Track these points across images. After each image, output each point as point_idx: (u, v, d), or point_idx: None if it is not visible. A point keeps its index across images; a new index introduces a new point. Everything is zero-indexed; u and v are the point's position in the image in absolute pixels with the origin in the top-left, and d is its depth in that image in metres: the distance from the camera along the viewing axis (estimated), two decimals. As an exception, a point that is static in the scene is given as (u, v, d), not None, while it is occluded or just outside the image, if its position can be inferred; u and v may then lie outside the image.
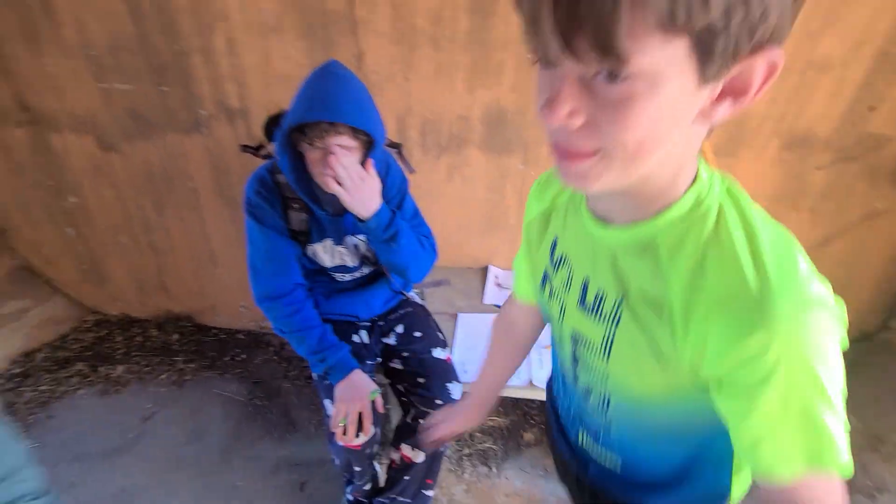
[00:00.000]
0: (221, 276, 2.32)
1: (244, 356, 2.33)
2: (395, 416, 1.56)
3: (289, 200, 1.25)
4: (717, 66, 0.33)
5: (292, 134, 1.10)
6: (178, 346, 2.39)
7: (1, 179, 2.19)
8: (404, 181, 1.37)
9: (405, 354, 1.41)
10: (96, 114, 1.92)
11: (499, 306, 1.81)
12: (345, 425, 1.19)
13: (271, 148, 1.32)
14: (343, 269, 1.37)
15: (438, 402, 1.30)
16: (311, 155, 1.11)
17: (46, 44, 1.78)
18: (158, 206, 2.15)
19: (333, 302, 1.41)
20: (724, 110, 0.38)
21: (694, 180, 0.46)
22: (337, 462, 1.35)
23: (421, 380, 1.35)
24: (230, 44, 1.68)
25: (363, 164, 1.12)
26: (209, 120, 1.88)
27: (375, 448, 1.35)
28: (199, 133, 1.92)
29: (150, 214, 2.19)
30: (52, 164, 2.12)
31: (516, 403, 1.97)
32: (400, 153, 1.37)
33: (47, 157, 2.09)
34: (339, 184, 1.07)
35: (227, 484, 1.70)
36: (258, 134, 1.85)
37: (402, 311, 1.51)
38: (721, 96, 0.37)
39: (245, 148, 1.36)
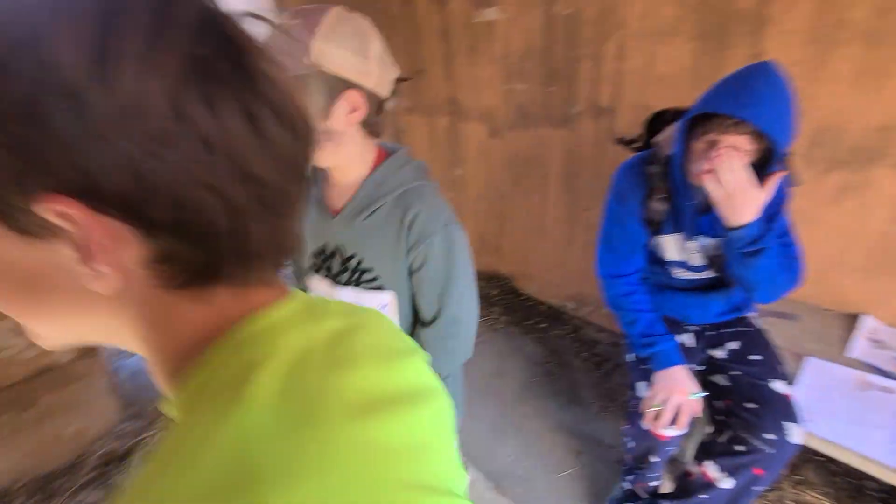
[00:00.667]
0: (544, 251, 2.67)
1: (544, 325, 2.63)
2: (696, 432, 1.49)
3: (653, 190, 1.34)
4: None
5: (693, 122, 1.14)
6: (496, 299, 2.91)
7: (422, 150, 3.16)
8: (786, 194, 1.25)
9: (735, 373, 1.32)
10: (496, 108, 2.51)
11: (872, 366, 1.43)
12: (658, 411, 1.22)
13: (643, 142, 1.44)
14: (685, 266, 1.38)
15: (769, 436, 1.17)
16: (697, 145, 1.13)
17: (481, 55, 2.43)
18: (515, 182, 2.64)
19: (664, 297, 1.44)
20: None
21: None
22: (630, 446, 1.41)
23: (750, 406, 1.24)
24: (620, 49, 1.87)
25: (759, 173, 1.07)
26: (577, 116, 2.16)
27: (676, 448, 1.33)
28: (565, 127, 2.24)
29: (507, 188, 2.71)
30: (454, 144, 2.89)
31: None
32: (786, 162, 1.25)
33: (453, 138, 2.87)
34: (718, 183, 1.06)
35: (517, 421, 2.02)
36: (619, 130, 2.02)
37: (738, 328, 1.40)
38: None
39: (620, 140, 1.52)
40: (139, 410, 2.21)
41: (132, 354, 2.59)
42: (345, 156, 0.83)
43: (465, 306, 0.94)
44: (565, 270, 2.60)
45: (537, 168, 2.48)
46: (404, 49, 2.87)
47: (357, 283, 0.92)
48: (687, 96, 1.73)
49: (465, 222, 2.87)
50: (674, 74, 1.76)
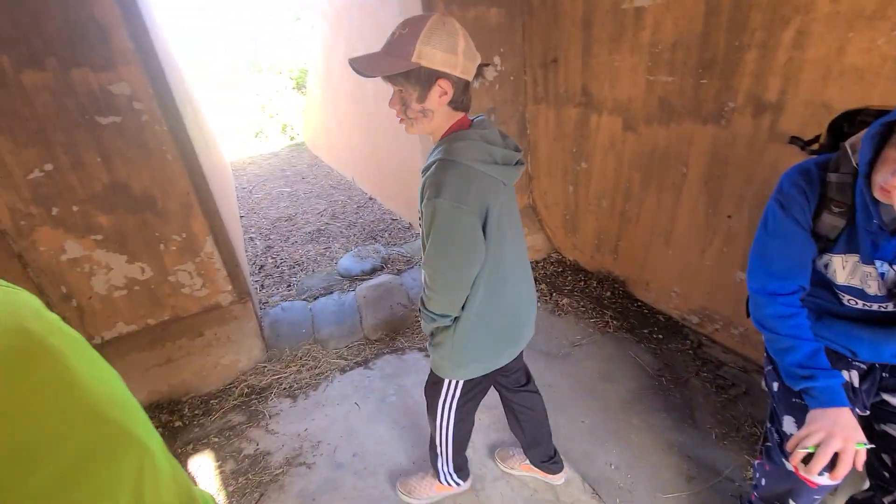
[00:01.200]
0: (667, 258, 2.48)
1: (660, 336, 2.45)
2: (849, 485, 1.29)
3: (829, 201, 1.16)
4: None
5: (892, 127, 0.97)
6: (608, 302, 2.78)
7: (547, 142, 3.10)
8: None
9: (915, 424, 1.11)
10: (634, 100, 2.36)
11: None
12: (810, 454, 1.08)
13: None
14: (858, 293, 1.18)
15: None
16: (890, 153, 0.96)
17: (624, 44, 2.29)
18: (644, 181, 2.48)
19: (828, 325, 1.24)
20: None
21: None
22: (761, 484, 1.27)
23: (929, 467, 1.03)
24: (799, 36, 1.63)
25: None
26: (732, 112, 1.94)
27: (821, 498, 1.17)
28: (715, 124, 2.03)
29: (634, 187, 2.56)
30: (582, 137, 2.79)
31: None
32: None
33: (582, 131, 2.77)
34: None
35: (622, 431, 1.93)
36: (784, 129, 1.78)
37: (924, 375, 1.17)
38: None
39: (795, 140, 1.33)
40: (277, 353, 2.56)
41: (276, 304, 2.99)
42: (435, 126, 1.10)
43: (433, 266, 1.10)
44: (693, 281, 2.39)
45: (674, 167, 2.29)
46: (541, 37, 2.83)
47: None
48: (887, 93, 1.46)
49: (583, 218, 2.75)
50: (870, 66, 1.49)
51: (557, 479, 1.72)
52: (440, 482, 1.67)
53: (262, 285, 3.53)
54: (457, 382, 1.37)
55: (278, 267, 3.86)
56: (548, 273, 3.18)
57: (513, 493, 1.72)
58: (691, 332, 2.45)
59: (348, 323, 2.69)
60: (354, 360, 2.51)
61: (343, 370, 2.45)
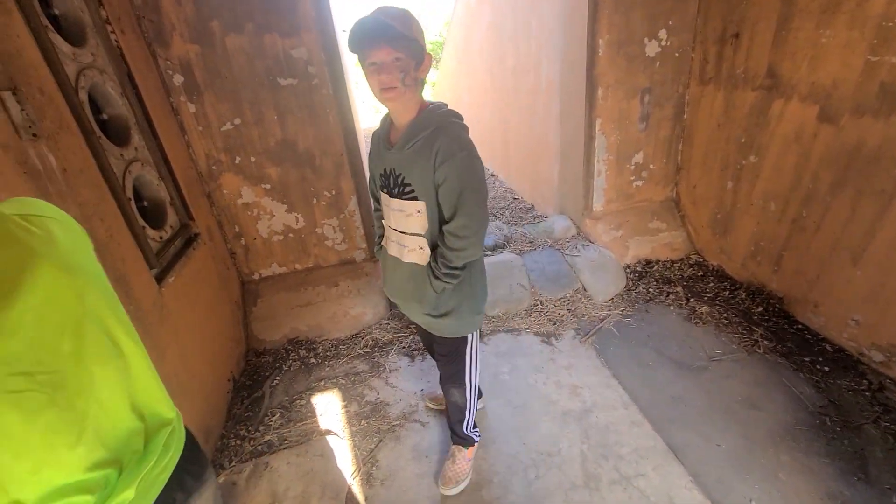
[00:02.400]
0: (853, 279, 2.06)
1: (826, 369, 2.08)
2: None
3: None
4: None
5: None
6: (758, 318, 2.43)
7: (706, 129, 2.75)
8: None
9: None
10: (841, 85, 1.96)
11: None
12: None
13: None
14: None
15: None
16: None
17: (842, 15, 1.89)
18: (837, 183, 2.07)
19: None
20: None
21: None
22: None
23: None
24: None
25: None
26: None
27: None
28: (964, 119, 1.59)
29: (820, 189, 2.15)
30: (756, 125, 2.41)
31: None
32: None
33: (757, 118, 2.39)
34: None
35: (768, 466, 1.69)
36: None
37: None
38: None
39: None
40: (399, 314, 2.70)
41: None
42: (411, 101, 1.20)
43: (473, 217, 1.19)
44: (886, 311, 1.96)
45: (887, 170, 1.87)
46: (721, 7, 2.47)
47: (401, 195, 1.25)
48: None
49: (739, 220, 2.41)
50: None
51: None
52: (466, 448, 1.74)
53: (387, 247, 3.74)
54: (475, 334, 1.51)
55: (402, 232, 4.06)
56: (685, 276, 2.87)
57: (630, 501, 1.62)
58: (870, 371, 2.03)
59: (467, 295, 2.73)
60: (470, 333, 2.55)
61: (459, 340, 2.50)
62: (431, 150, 1.15)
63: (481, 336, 2.50)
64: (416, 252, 1.31)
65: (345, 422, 2.04)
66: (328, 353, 2.49)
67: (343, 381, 2.27)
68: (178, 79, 2.14)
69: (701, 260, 2.99)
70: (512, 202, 4.59)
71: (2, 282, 0.55)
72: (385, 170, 1.29)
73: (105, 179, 1.53)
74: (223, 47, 2.13)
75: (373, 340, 2.53)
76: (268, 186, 2.47)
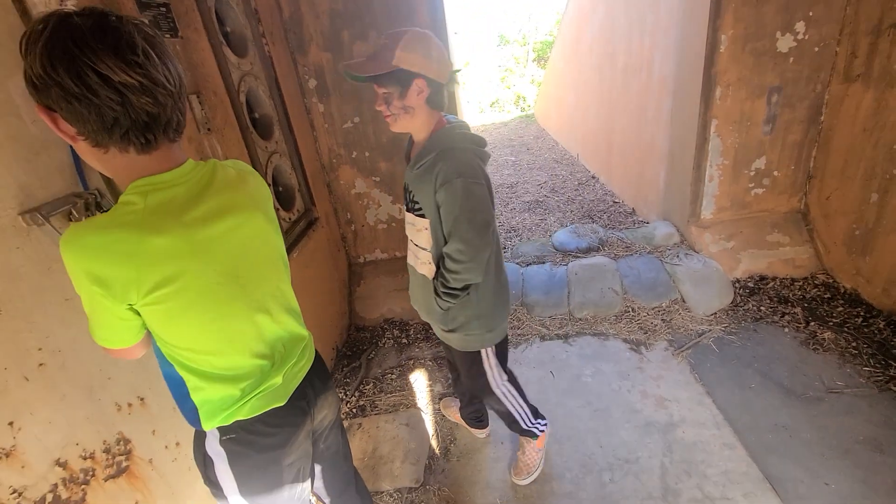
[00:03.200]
0: None
1: None
2: None
3: None
4: None
5: None
6: (893, 343, 2.11)
7: (849, 133, 2.42)
8: None
9: None
10: None
11: None
12: None
13: None
14: None
15: None
16: None
17: None
18: None
19: None
20: None
21: None
22: None
23: None
24: None
25: None
26: None
27: None
28: None
29: None
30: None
31: None
32: None
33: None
34: None
35: (886, 515, 1.49)
36: None
37: None
38: None
39: None
40: (486, 306, 2.81)
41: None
42: (417, 124, 1.24)
43: (469, 243, 1.20)
44: None
45: None
46: (879, -5, 2.16)
47: (412, 211, 1.30)
48: None
49: (884, 239, 2.13)
50: None
51: (480, 433, 1.99)
52: (534, 439, 1.76)
53: (480, 243, 3.86)
54: (491, 349, 1.51)
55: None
56: (807, 296, 2.57)
57: (711, 522, 1.54)
58: None
59: (555, 295, 2.75)
60: (555, 332, 2.56)
61: (543, 338, 2.53)
62: (433, 174, 1.18)
63: (566, 339, 2.50)
64: (426, 265, 1.34)
65: (429, 399, 2.21)
66: (418, 336, 2.68)
67: (430, 364, 2.44)
68: (312, 83, 2.47)
69: (830, 280, 2.64)
70: (611, 206, 4.43)
71: (227, 212, 0.82)
72: (405, 185, 1.35)
73: (254, 167, 1.86)
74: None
75: (460, 328, 2.67)
76: (377, 179, 2.72)
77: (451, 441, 1.97)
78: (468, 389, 1.66)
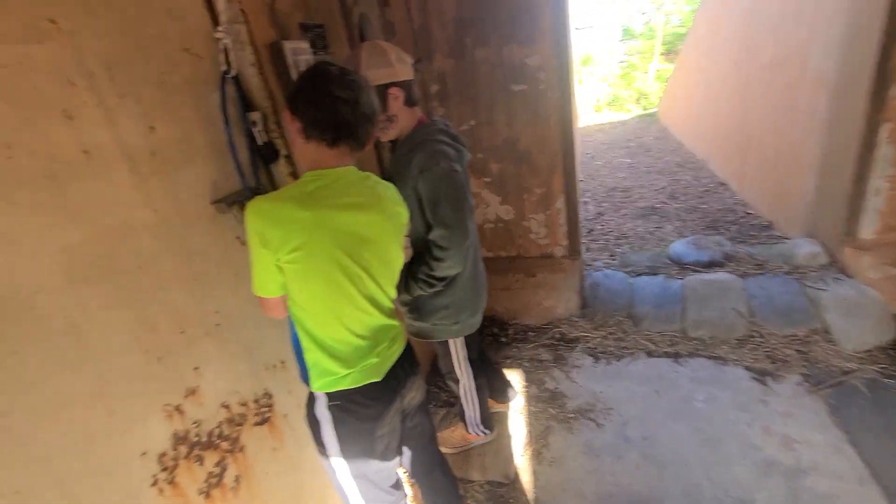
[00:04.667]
0: None
1: None
2: None
3: None
4: None
5: None
6: None
7: None
8: None
9: None
10: None
11: None
12: None
13: None
14: None
15: None
16: None
17: None
18: None
19: None
20: None
21: None
22: None
23: None
24: None
25: None
26: None
27: None
28: None
29: None
30: None
31: None
32: None
33: None
34: None
35: None
36: None
37: None
38: None
39: None
40: (590, 314, 2.74)
41: (598, 269, 3.16)
42: (402, 125, 1.37)
43: (448, 224, 1.29)
44: None
45: None
46: None
47: None
48: None
49: None
50: None
51: (504, 407, 2.11)
52: (469, 432, 1.89)
53: (587, 248, 3.75)
54: (460, 340, 1.62)
55: (605, 235, 3.99)
56: None
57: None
58: None
59: (667, 309, 2.57)
60: (664, 349, 2.41)
61: (650, 353, 2.40)
62: (411, 163, 1.30)
63: (676, 357, 2.34)
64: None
65: (524, 399, 2.23)
66: (517, 336, 2.72)
67: (527, 365, 2.46)
68: (433, 87, 2.62)
69: None
70: (742, 217, 3.98)
71: (361, 209, 1.02)
72: (387, 173, 1.45)
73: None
74: (472, 59, 2.50)
75: (560, 334, 2.65)
76: (488, 180, 2.80)
77: (543, 445, 1.98)
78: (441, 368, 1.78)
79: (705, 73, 5.82)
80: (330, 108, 0.96)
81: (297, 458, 1.47)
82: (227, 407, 1.21)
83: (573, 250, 2.86)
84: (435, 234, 1.32)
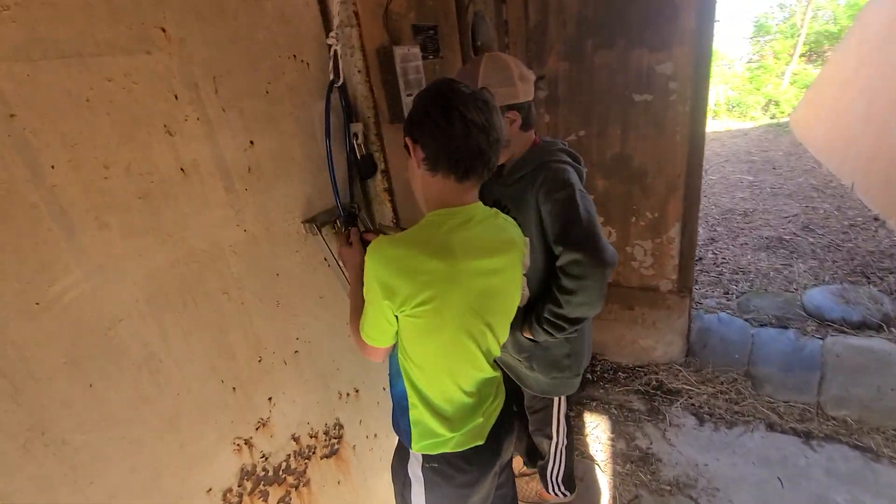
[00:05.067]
0: None
1: None
2: None
3: None
4: None
5: None
6: None
7: None
8: None
9: None
10: None
11: None
12: None
13: None
14: None
15: None
16: None
17: None
18: None
19: None
20: None
21: None
22: None
23: None
24: None
25: None
26: None
27: None
28: None
29: None
30: None
31: None
32: None
33: None
34: None
35: None
36: None
37: None
38: None
39: None
40: (697, 364, 2.37)
41: (710, 310, 2.75)
42: (514, 149, 1.23)
43: (583, 250, 1.08)
44: None
45: None
46: None
47: None
48: None
49: None
50: None
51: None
52: (547, 491, 1.67)
53: (695, 280, 3.30)
54: (564, 399, 1.45)
55: (718, 266, 3.49)
56: None
57: None
58: None
59: (799, 376, 2.14)
60: (791, 425, 1.99)
61: (771, 427, 2.00)
62: (535, 185, 1.14)
63: (807, 438, 1.93)
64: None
65: (608, 455, 1.98)
66: (605, 375, 2.44)
67: (615, 412, 2.19)
68: (542, 93, 2.39)
69: None
70: (905, 264, 3.25)
71: (495, 253, 0.89)
72: (494, 199, 1.28)
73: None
74: (591, 63, 2.23)
75: (657, 381, 2.32)
76: (591, 197, 2.52)
77: (629, 514, 1.72)
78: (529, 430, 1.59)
79: (867, 85, 4.87)
80: (463, 136, 0.81)
81: (361, 490, 1.39)
82: (296, 439, 1.14)
83: (683, 286, 2.50)
84: (565, 260, 1.10)
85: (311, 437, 1.19)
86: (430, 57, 1.52)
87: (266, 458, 1.06)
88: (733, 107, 9.77)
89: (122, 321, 0.77)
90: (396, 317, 0.85)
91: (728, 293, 3.03)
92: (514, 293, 0.98)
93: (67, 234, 0.69)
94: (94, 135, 0.72)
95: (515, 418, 1.14)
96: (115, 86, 0.74)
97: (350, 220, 1.18)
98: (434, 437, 0.94)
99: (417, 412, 0.94)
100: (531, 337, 1.26)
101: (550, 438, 1.54)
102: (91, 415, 0.73)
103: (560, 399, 1.47)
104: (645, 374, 2.37)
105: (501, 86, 1.13)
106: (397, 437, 1.02)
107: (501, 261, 0.90)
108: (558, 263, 1.13)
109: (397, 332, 0.89)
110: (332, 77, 1.10)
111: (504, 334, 1.00)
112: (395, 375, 0.97)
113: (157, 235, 0.81)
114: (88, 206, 0.72)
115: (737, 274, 3.34)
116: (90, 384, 0.73)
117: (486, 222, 0.89)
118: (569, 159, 1.22)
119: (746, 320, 2.52)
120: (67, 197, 0.69)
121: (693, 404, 2.16)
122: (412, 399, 0.93)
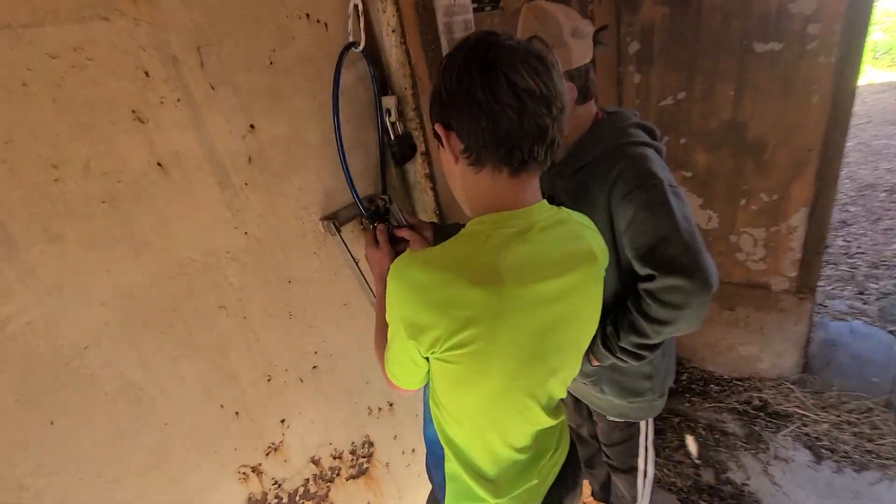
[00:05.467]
0: None
1: None
2: None
3: None
4: None
5: None
6: None
7: None
8: None
9: None
10: None
11: None
12: None
13: None
14: None
15: None
16: None
17: None
18: None
19: None
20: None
21: None
22: None
23: None
24: None
25: None
26: None
27: None
28: None
29: None
30: None
31: None
32: None
33: None
34: None
35: None
36: None
37: None
38: None
39: None
40: (816, 384, 1.93)
41: (839, 315, 2.24)
42: (569, 127, 0.82)
43: (684, 275, 0.82)
44: None
45: None
46: None
47: None
48: None
49: None
50: None
51: None
52: None
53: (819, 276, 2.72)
54: (651, 421, 1.19)
55: (851, 257, 2.84)
56: None
57: None
58: None
59: (968, 413, 1.63)
60: (951, 476, 1.54)
61: (920, 476, 1.56)
62: (608, 178, 0.87)
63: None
64: None
65: (690, 484, 1.67)
66: (693, 387, 2.08)
67: (703, 433, 1.85)
68: (633, 46, 1.98)
69: None
70: None
71: (563, 273, 0.66)
72: (547, 195, 0.87)
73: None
74: (697, 7, 1.78)
75: (760, 400, 1.93)
76: (688, 174, 2.09)
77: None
78: (606, 464, 1.31)
79: None
80: (515, 111, 0.56)
81: (396, 510, 1.26)
82: (316, 462, 1.02)
83: (804, 285, 2.03)
84: (658, 285, 0.86)
85: (334, 458, 1.06)
86: (487, 8, 1.24)
87: (279, 485, 0.95)
88: (881, 53, 7.96)
89: (87, 349, 0.65)
90: (427, 358, 0.66)
91: (864, 293, 2.44)
92: (589, 320, 0.74)
93: (7, 250, 0.58)
94: (35, 127, 0.59)
95: (580, 470, 0.91)
96: (62, 64, 0.60)
97: (377, 216, 0.99)
98: (474, 500, 0.76)
99: (454, 466, 0.76)
100: (599, 364, 1.02)
101: (636, 470, 1.28)
102: (53, 455, 0.64)
103: (647, 423, 1.20)
104: (744, 390, 1.98)
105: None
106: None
107: (572, 279, 0.66)
108: (647, 287, 0.87)
109: (428, 372, 0.70)
110: (350, 39, 0.89)
111: (574, 371, 0.78)
112: (426, 422, 0.79)
113: (130, 246, 0.68)
114: (33, 215, 0.59)
115: (877, 269, 2.68)
116: (51, 421, 0.63)
117: (552, 230, 0.66)
118: (647, 138, 0.94)
119: (891, 332, 1.99)
120: (4, 207, 0.57)
121: (808, 434, 1.76)
122: (447, 451, 0.76)
